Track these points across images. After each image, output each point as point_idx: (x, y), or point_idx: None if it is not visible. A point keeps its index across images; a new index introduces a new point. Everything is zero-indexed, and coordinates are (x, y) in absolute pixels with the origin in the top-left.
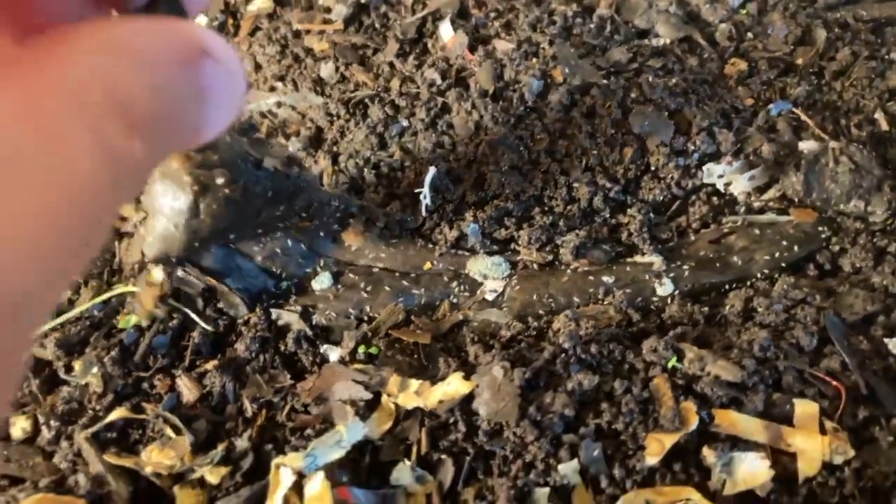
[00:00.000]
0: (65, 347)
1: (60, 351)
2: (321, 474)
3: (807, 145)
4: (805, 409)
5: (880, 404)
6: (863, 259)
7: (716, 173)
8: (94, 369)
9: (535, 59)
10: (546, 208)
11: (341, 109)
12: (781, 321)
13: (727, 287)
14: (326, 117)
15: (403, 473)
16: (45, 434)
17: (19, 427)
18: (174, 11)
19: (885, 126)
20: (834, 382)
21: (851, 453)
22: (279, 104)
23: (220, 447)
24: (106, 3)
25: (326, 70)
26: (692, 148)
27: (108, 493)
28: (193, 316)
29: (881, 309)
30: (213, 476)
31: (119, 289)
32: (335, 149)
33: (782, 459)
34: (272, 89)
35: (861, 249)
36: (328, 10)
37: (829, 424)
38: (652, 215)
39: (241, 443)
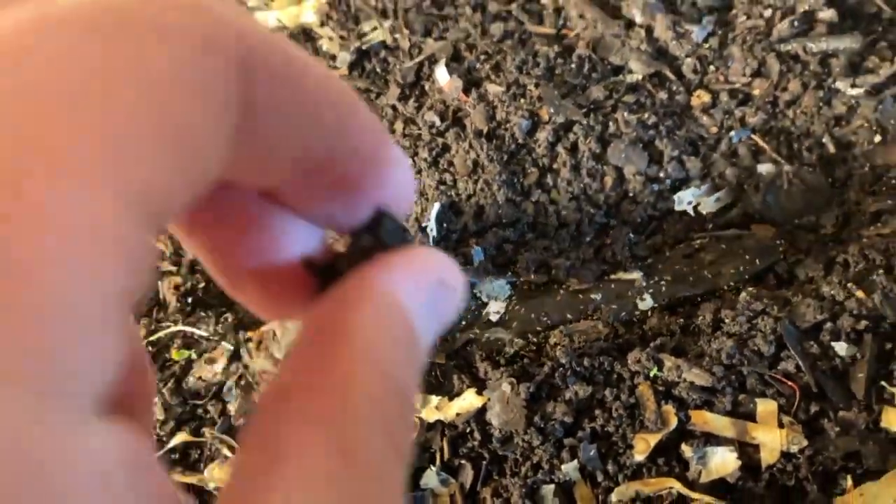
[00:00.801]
0: None
1: None
2: None
3: (764, 168)
4: (766, 407)
5: (829, 400)
6: (815, 269)
7: (685, 200)
8: (155, 399)
9: (522, 100)
10: (538, 234)
11: None
12: (745, 330)
13: (699, 298)
14: None
15: (430, 478)
16: None
17: None
18: (397, 236)
19: (832, 149)
20: (789, 383)
21: (804, 443)
22: None
23: None
24: (315, 219)
25: None
26: (664, 175)
27: None
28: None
29: (829, 317)
30: None
31: (171, 328)
32: None
33: (747, 451)
34: None
35: (814, 260)
36: (333, 57)
37: (785, 419)
38: (632, 235)
39: None
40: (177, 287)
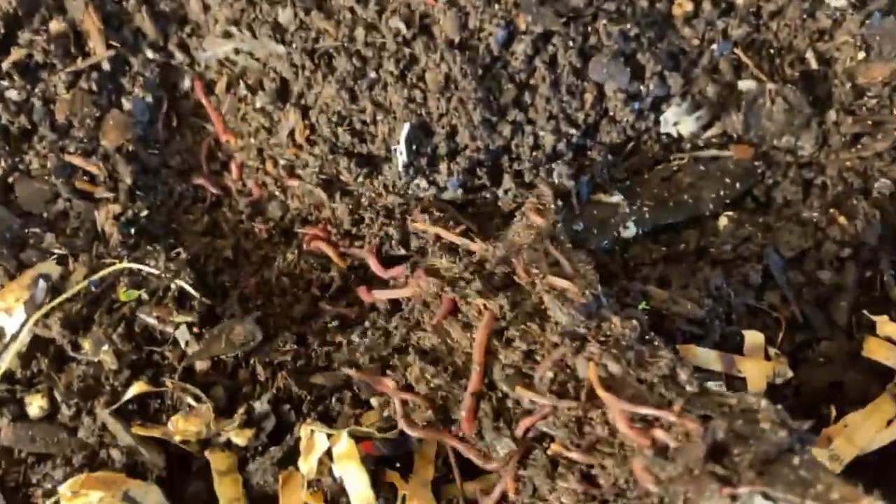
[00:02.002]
0: (69, 326)
1: (65, 330)
2: (346, 433)
3: (746, 85)
4: (753, 339)
5: (813, 329)
6: (793, 192)
7: (671, 121)
8: (106, 346)
9: (497, 6)
10: (514, 156)
11: (306, 60)
12: (731, 259)
13: (681, 225)
14: (291, 68)
15: None
16: (65, 411)
17: (36, 406)
18: None
19: (814, 65)
20: (775, 314)
21: (790, 374)
22: (237, 51)
23: (241, 411)
24: None
25: (284, 15)
26: (645, 92)
27: (142, 464)
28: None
29: (813, 244)
30: (239, 438)
31: (115, 266)
32: (304, 102)
33: (735, 384)
34: (226, 35)
35: (791, 182)
36: None
37: (771, 351)
38: (610, 157)
39: (261, 406)
40: (116, 217)
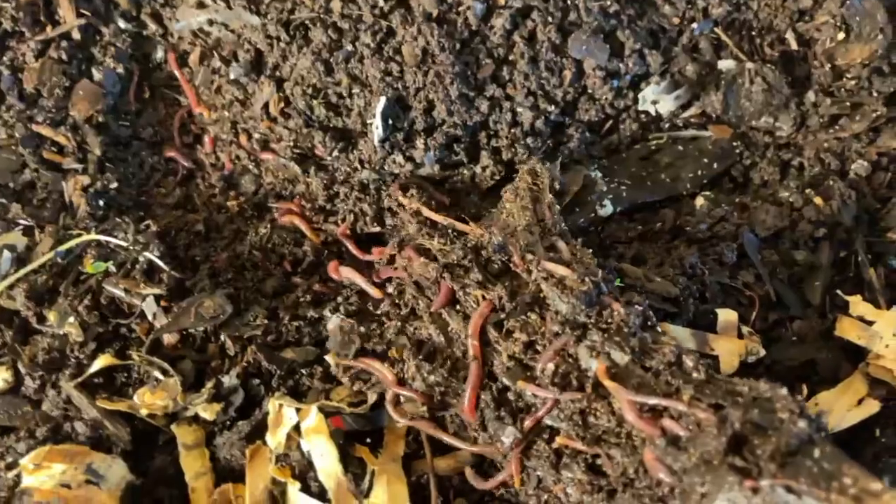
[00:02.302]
0: (34, 298)
1: (30, 301)
2: (315, 408)
3: (725, 64)
4: (726, 317)
5: (787, 308)
6: (770, 173)
7: (649, 99)
8: (71, 318)
9: None
10: (491, 132)
11: (281, 32)
12: (706, 238)
13: (657, 204)
14: (266, 40)
15: None
16: (29, 384)
17: (0, 378)
18: None
19: (794, 45)
20: (748, 293)
21: (762, 352)
22: (211, 22)
23: (209, 385)
24: None
25: None
26: (624, 70)
27: (107, 437)
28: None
29: (788, 224)
30: (207, 413)
31: (82, 237)
32: (278, 74)
33: (707, 361)
34: (200, 4)
35: (769, 163)
36: None
37: (744, 329)
38: (588, 134)
39: (229, 380)
40: (85, 188)
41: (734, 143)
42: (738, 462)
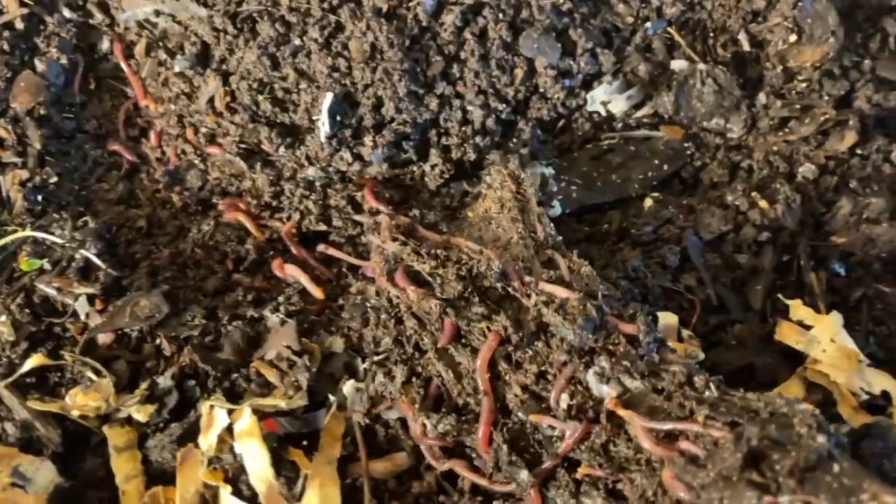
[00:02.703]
0: None
1: None
2: (248, 410)
3: (678, 65)
4: (666, 320)
5: (728, 311)
6: (720, 175)
7: (598, 100)
8: (3, 317)
9: None
10: (442, 130)
11: (228, 25)
12: (651, 240)
13: (607, 206)
14: (212, 32)
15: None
16: None
17: None
18: None
19: (746, 46)
20: (690, 296)
21: (701, 356)
22: (157, 13)
23: (143, 386)
24: None
25: None
26: (576, 69)
27: (37, 439)
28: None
29: (732, 228)
30: (140, 414)
31: (17, 233)
32: (224, 67)
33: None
34: None
35: (719, 165)
36: None
37: (685, 333)
38: (540, 133)
39: (164, 381)
40: (23, 183)
41: (685, 145)
42: (756, 478)
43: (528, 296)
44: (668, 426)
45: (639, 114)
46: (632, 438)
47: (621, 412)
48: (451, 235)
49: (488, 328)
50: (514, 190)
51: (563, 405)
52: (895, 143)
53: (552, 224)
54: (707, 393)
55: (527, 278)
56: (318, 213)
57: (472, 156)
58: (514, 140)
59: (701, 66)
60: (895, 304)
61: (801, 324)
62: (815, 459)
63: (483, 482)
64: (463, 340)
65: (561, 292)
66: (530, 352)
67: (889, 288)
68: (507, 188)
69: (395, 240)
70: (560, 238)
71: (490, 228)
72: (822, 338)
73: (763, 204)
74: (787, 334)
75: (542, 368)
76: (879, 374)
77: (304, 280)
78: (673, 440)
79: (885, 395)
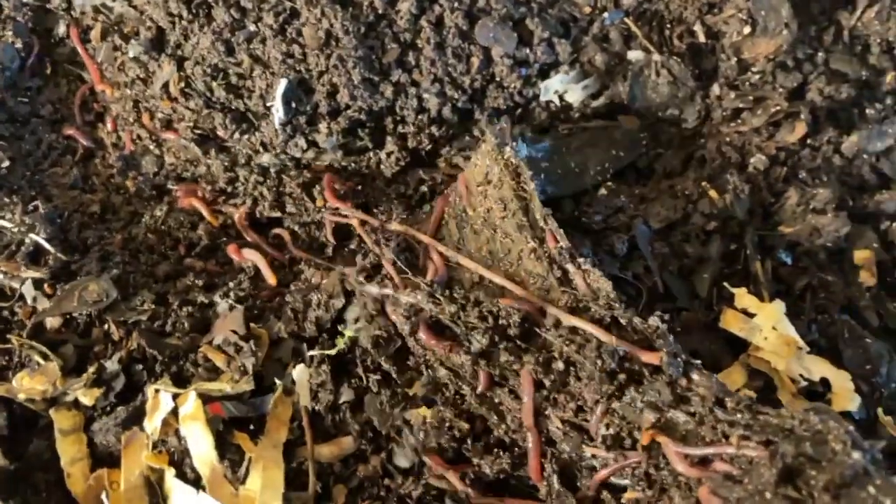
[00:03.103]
0: None
1: None
2: (193, 394)
3: (634, 55)
4: None
5: (674, 299)
6: (674, 165)
7: (552, 89)
8: None
9: None
10: (398, 118)
11: (183, 9)
12: (600, 229)
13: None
14: (168, 17)
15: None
16: None
17: None
18: None
19: (702, 38)
20: (637, 284)
21: None
22: None
23: (91, 370)
24: None
25: None
26: (533, 58)
27: None
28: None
29: (681, 217)
30: (87, 398)
31: None
32: (180, 53)
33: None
34: None
35: (673, 155)
36: None
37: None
38: (497, 121)
39: (111, 365)
40: None
41: (641, 135)
42: (791, 493)
43: (549, 330)
44: (701, 451)
45: (595, 104)
46: (669, 462)
47: (657, 439)
48: (458, 252)
49: (518, 370)
50: (515, 187)
51: (602, 435)
52: (846, 135)
53: (557, 225)
54: (739, 416)
55: (549, 312)
56: (273, 199)
57: (427, 146)
58: (472, 129)
59: (656, 56)
60: (838, 293)
61: (745, 312)
62: (850, 475)
63: None
64: (498, 380)
65: (588, 327)
66: (564, 392)
67: (832, 277)
68: (507, 185)
69: (407, 290)
70: (569, 246)
71: (497, 239)
72: (765, 326)
73: (713, 194)
74: (731, 322)
75: (579, 403)
76: (818, 361)
77: (262, 264)
78: (708, 463)
79: (824, 381)
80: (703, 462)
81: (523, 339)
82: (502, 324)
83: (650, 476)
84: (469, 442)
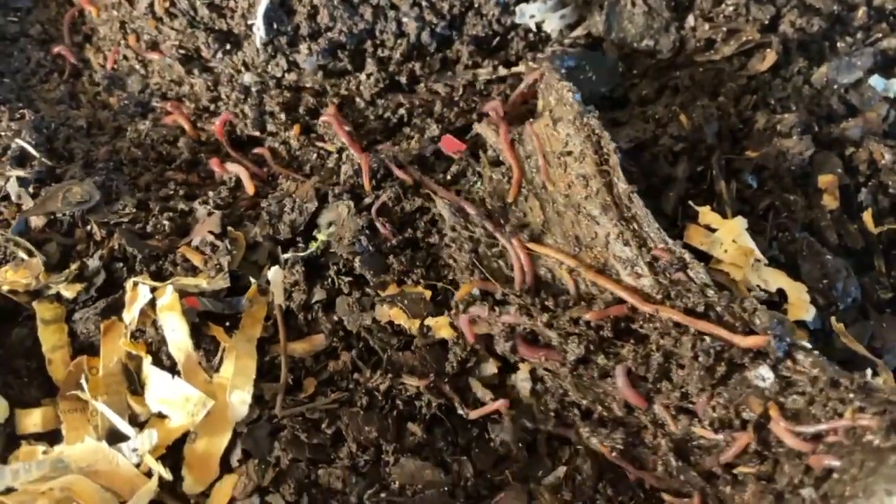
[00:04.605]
0: None
1: None
2: (171, 288)
3: None
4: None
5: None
6: (647, 94)
7: (528, 13)
8: None
9: None
10: (378, 42)
11: None
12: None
13: None
14: None
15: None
16: None
17: None
18: None
19: None
20: None
21: None
22: None
23: (73, 266)
24: None
25: None
26: None
27: None
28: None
29: (651, 138)
30: (68, 291)
31: None
32: None
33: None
34: None
35: (648, 84)
36: None
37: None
38: (474, 49)
39: (93, 262)
40: None
41: (618, 64)
42: None
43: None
44: (814, 429)
45: (573, 34)
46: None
47: (775, 427)
48: (541, 242)
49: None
50: (597, 161)
51: (711, 417)
52: (816, 66)
53: (643, 205)
54: (852, 395)
55: (642, 309)
56: (254, 118)
57: (404, 79)
58: (451, 55)
59: None
60: (800, 214)
61: (708, 228)
62: None
63: (647, 476)
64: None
65: (682, 319)
66: (665, 383)
67: (795, 198)
68: (589, 158)
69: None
70: (657, 227)
71: (581, 223)
72: (725, 239)
73: (682, 118)
74: (694, 237)
75: (683, 390)
76: (776, 273)
77: (243, 175)
78: (820, 437)
79: (781, 292)
80: (816, 437)
81: (617, 336)
82: (597, 325)
83: (761, 454)
84: None
